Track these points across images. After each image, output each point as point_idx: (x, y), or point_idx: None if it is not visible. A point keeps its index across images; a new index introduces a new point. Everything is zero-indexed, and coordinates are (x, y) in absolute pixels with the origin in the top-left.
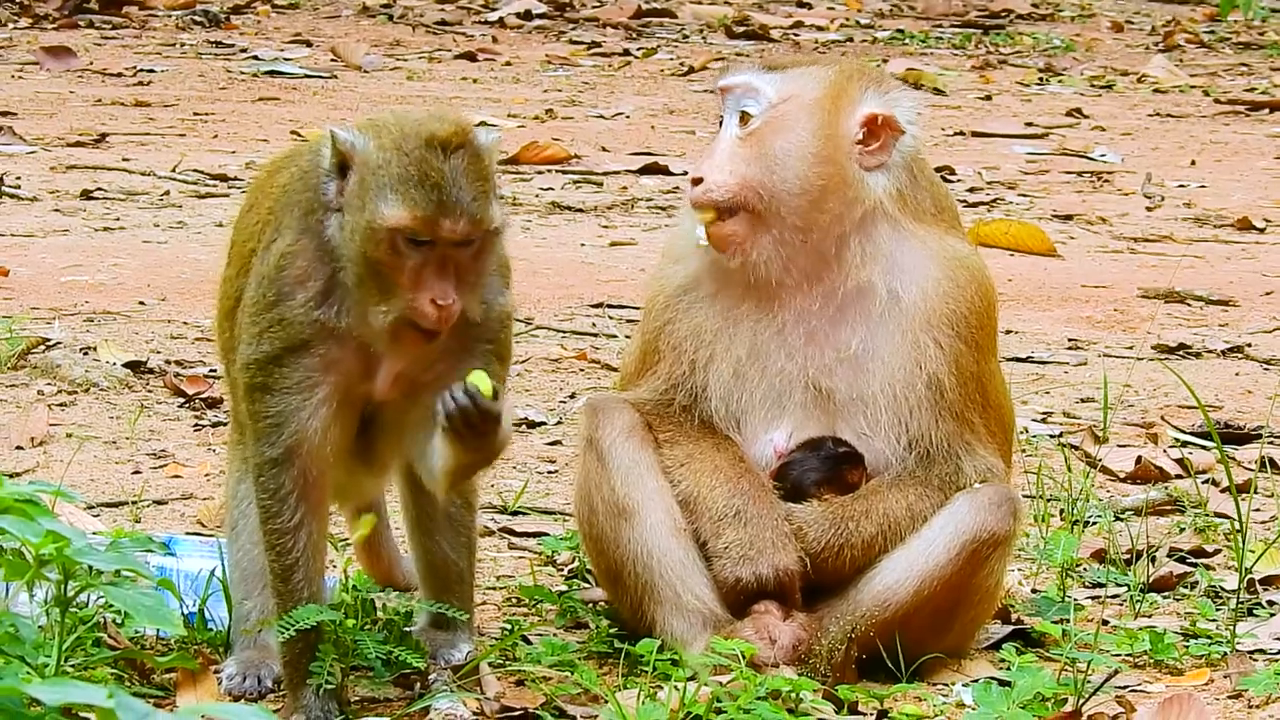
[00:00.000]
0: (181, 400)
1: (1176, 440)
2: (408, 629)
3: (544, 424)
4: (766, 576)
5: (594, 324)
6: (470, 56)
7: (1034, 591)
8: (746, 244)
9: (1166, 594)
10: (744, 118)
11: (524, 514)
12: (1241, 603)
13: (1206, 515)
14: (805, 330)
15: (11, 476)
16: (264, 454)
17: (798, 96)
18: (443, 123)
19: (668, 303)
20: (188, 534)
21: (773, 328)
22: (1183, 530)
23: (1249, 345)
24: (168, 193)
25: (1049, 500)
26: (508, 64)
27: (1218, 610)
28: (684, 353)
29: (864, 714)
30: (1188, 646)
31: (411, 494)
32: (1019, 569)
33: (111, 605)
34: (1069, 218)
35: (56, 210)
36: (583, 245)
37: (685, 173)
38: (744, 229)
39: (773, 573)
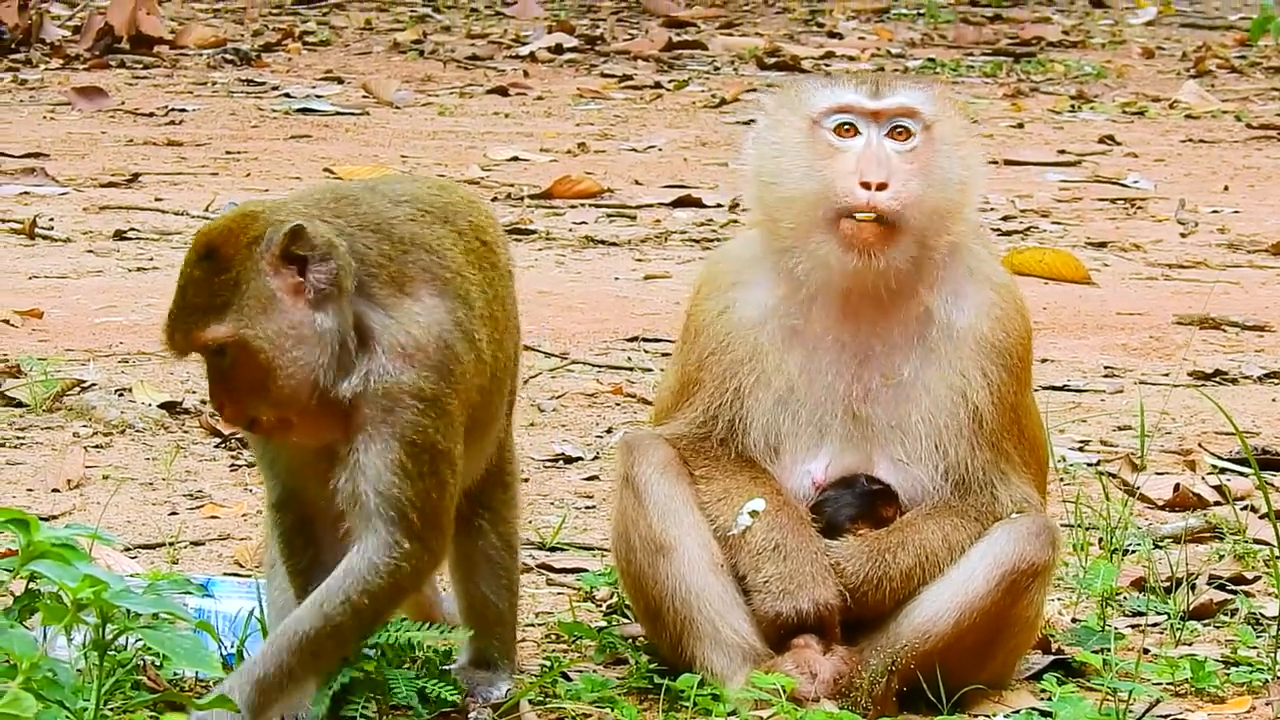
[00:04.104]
0: (217, 440)
1: (1214, 467)
2: (446, 667)
3: (580, 459)
4: (806, 611)
5: (629, 358)
6: (502, 91)
7: (1074, 621)
8: (883, 249)
9: (1207, 622)
10: (903, 133)
11: (562, 550)
12: None
13: (1245, 542)
14: (860, 354)
15: (49, 519)
16: (268, 498)
17: (947, 120)
18: (221, 222)
19: (710, 331)
20: (225, 574)
21: (824, 348)
22: (1222, 557)
23: None
24: None
25: (1088, 529)
26: (539, 98)
27: (1258, 637)
28: (726, 380)
29: None
30: (1229, 674)
31: (454, 534)
32: (1059, 598)
33: (150, 648)
34: (1103, 245)
35: (90, 251)
36: (617, 279)
37: (719, 204)
38: (890, 237)
39: (812, 607)
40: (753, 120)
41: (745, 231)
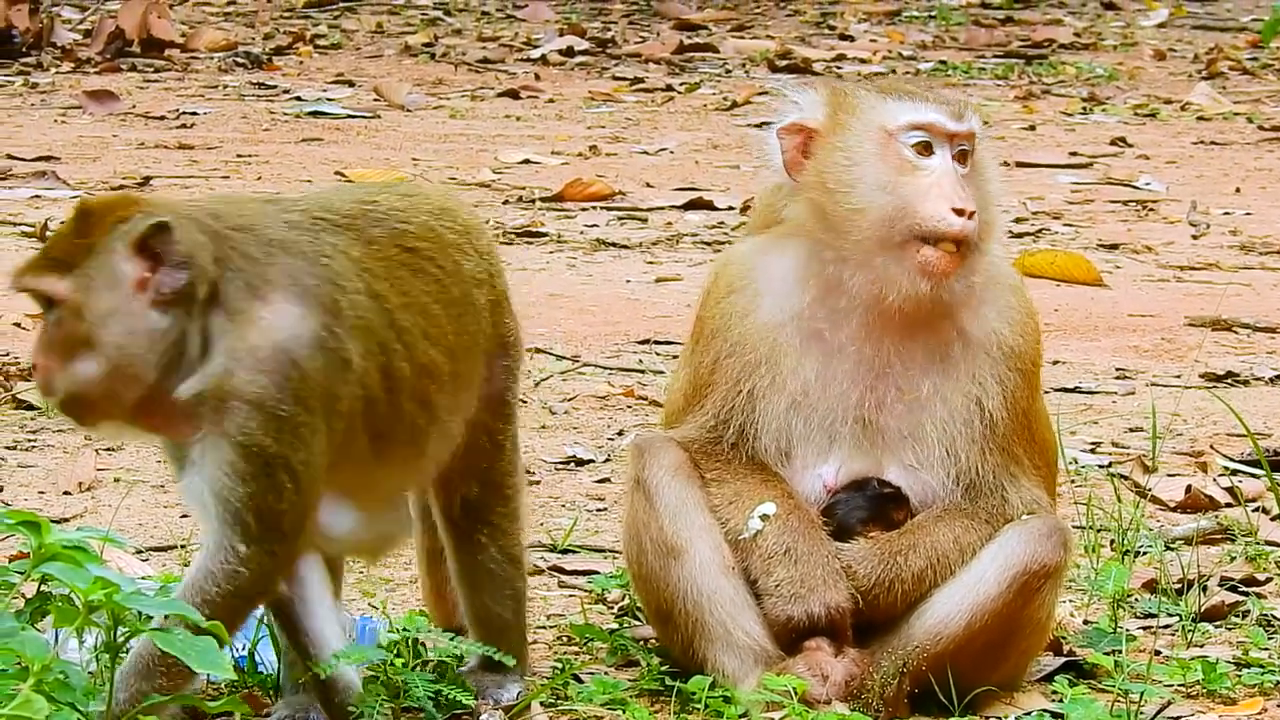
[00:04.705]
0: None
1: (1226, 469)
2: (458, 669)
3: (592, 461)
4: (818, 614)
5: (640, 360)
6: (513, 94)
7: (1086, 623)
8: (954, 276)
9: (1218, 623)
10: (964, 156)
11: (574, 552)
12: None
13: (1257, 543)
14: (878, 368)
15: (60, 522)
16: None
17: (983, 141)
18: (107, 196)
19: (724, 333)
20: None
21: (844, 356)
22: (1233, 559)
23: None
24: None
25: (1099, 531)
26: (550, 101)
27: (1270, 639)
28: (739, 383)
29: None
30: (1240, 676)
31: (455, 547)
32: (1070, 600)
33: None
34: (1115, 247)
35: None
36: (628, 282)
37: (730, 207)
38: (962, 264)
39: (824, 610)
40: (767, 123)
41: (752, 234)
